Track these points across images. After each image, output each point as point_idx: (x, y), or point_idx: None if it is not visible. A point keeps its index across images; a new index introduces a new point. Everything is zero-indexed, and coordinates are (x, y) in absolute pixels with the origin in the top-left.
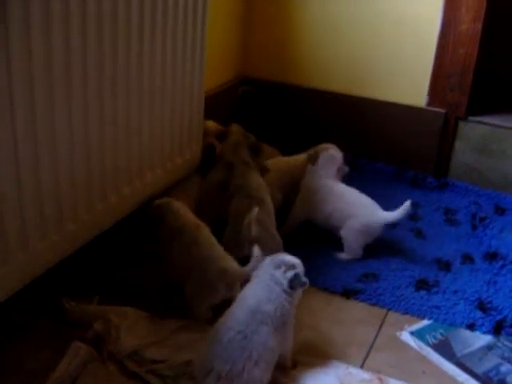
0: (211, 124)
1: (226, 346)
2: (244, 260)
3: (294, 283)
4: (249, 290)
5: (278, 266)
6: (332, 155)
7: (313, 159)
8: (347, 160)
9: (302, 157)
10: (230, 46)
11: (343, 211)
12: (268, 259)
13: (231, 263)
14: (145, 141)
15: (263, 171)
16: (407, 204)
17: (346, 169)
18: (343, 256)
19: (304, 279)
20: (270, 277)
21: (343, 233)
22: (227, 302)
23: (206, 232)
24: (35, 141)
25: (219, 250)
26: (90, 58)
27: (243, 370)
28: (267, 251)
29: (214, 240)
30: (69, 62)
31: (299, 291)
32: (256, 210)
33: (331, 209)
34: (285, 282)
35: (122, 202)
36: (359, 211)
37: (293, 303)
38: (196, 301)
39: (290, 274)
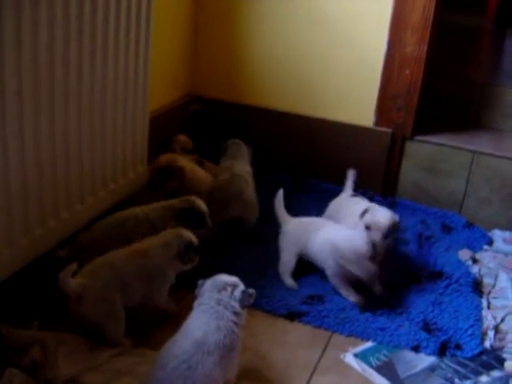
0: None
1: (170, 372)
2: None
3: (244, 301)
4: (195, 320)
5: (222, 289)
6: None
7: None
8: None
9: None
10: (180, 65)
11: None
12: (208, 283)
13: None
14: (85, 161)
15: None
16: None
17: None
18: None
19: (251, 291)
20: (216, 301)
21: None
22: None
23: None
24: None
25: None
26: (24, 73)
27: None
28: None
29: None
30: (2, 81)
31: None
32: None
33: None
34: (235, 304)
35: (61, 226)
36: None
37: (241, 325)
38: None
39: (238, 293)
